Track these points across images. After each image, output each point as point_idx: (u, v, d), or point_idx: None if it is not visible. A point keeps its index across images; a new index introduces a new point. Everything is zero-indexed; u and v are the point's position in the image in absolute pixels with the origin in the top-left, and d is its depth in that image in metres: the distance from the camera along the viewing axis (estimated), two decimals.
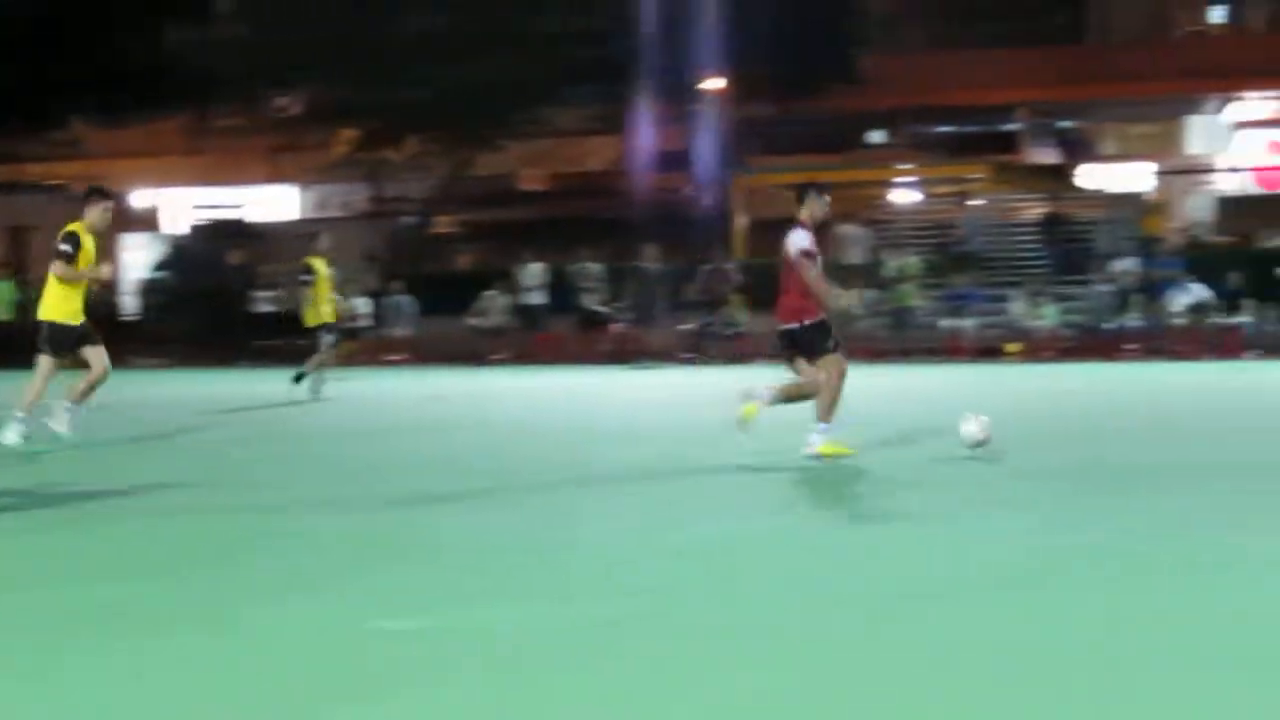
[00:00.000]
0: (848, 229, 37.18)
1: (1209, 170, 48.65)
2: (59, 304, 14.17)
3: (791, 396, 12.23)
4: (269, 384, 22.54)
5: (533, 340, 34.24)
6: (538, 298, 34.93)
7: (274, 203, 49.23)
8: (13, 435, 13.89)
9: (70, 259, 13.98)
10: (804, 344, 12.18)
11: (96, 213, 14.33)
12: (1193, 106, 49.34)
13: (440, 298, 34.73)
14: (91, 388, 14.45)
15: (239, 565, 7.91)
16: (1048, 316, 32.15)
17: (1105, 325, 31.69)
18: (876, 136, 51.64)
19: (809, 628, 6.07)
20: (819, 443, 11.83)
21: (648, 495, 10.43)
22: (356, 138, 43.50)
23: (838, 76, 43.52)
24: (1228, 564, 7.37)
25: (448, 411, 19.79)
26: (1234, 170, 48.11)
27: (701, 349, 32.02)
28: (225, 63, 39.25)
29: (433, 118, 39.88)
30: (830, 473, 11.27)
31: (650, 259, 33.05)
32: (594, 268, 34.61)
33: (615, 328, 33.21)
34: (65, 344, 14.23)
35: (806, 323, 12.13)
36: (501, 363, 32.41)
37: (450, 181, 45.05)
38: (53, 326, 14.19)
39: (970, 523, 8.89)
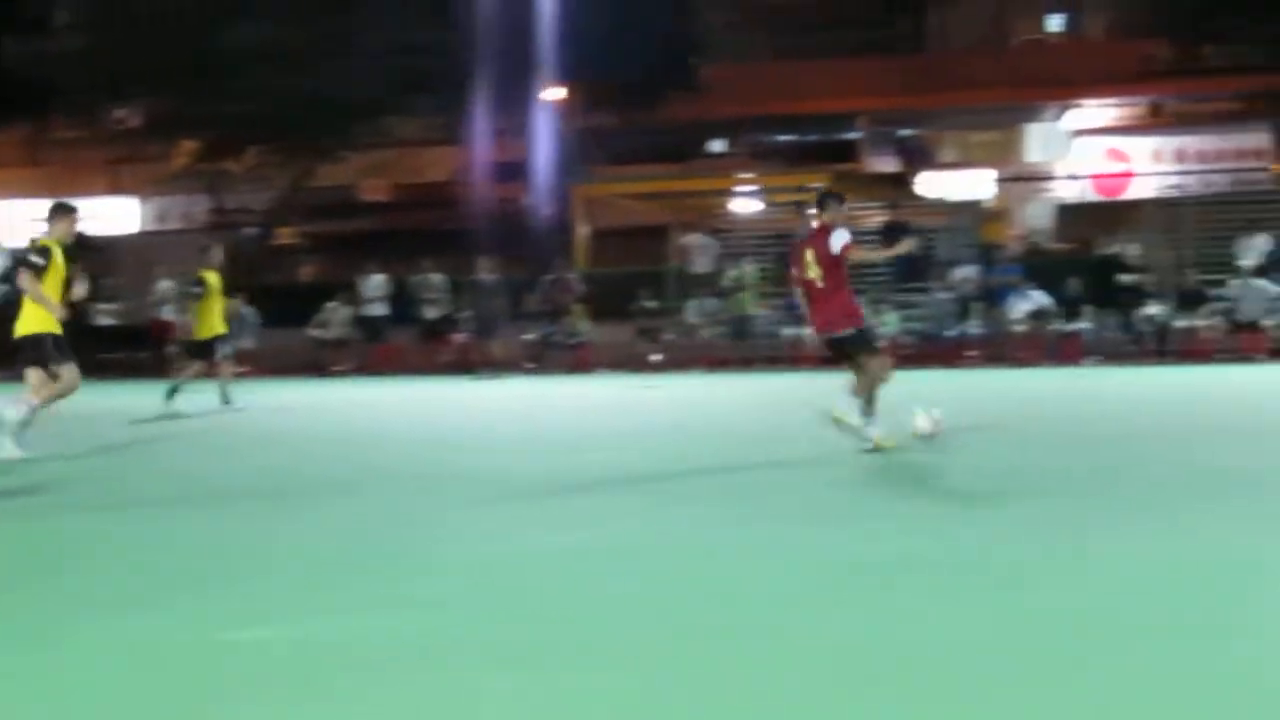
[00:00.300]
0: (694, 238, 37.04)
1: (1048, 178, 49.00)
2: (39, 316, 14.21)
3: (868, 392, 12.90)
4: (114, 398, 22.38)
5: (374, 351, 34.15)
6: (379, 309, 34.97)
7: (114, 215, 48.33)
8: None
9: (40, 271, 13.98)
10: (863, 343, 13.18)
11: (64, 226, 14.49)
12: (1032, 114, 49.71)
13: (282, 309, 34.27)
14: (57, 398, 14.47)
15: (68, 577, 7.56)
16: (889, 324, 32.07)
17: (946, 332, 31.71)
18: (718, 145, 51.62)
19: (627, 641, 5.76)
20: (873, 435, 12.66)
21: (493, 506, 10.03)
22: (196, 149, 42.94)
23: (678, 85, 43.48)
24: (1067, 569, 7.14)
25: (291, 423, 19.38)
26: (1073, 178, 48.49)
27: (544, 359, 31.91)
28: (64, 74, 38.86)
29: (269, 129, 39.43)
30: (670, 482, 10.88)
31: (490, 270, 32.70)
32: (436, 279, 34.40)
33: (457, 338, 32.96)
34: (49, 354, 14.25)
35: (861, 326, 13.26)
36: (343, 374, 32.16)
37: (291, 193, 44.52)
38: (37, 338, 14.23)
39: (798, 532, 8.53)
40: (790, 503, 9.88)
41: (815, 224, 13.37)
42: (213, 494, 11.04)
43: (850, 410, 12.73)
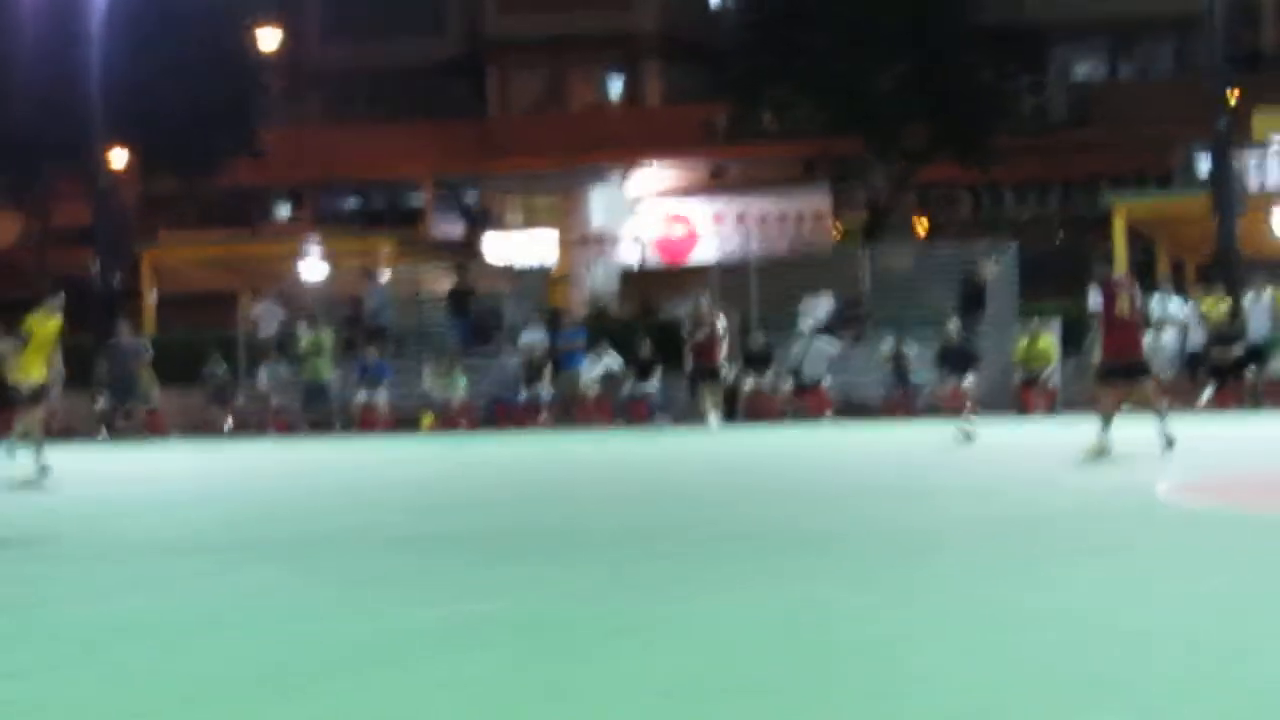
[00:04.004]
0: (260, 305, 36.34)
1: (612, 241, 49.63)
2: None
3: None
4: None
5: None
6: None
7: None
8: None
9: None
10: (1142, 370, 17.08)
11: None
12: (595, 177, 50.36)
13: None
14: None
15: None
16: (459, 388, 31.91)
17: (517, 396, 31.68)
18: (283, 210, 51.00)
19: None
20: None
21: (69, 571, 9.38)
22: None
23: (240, 150, 42.85)
24: (636, 629, 6.92)
25: None
26: (636, 241, 49.21)
27: (113, 427, 31.01)
28: None
29: None
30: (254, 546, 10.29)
31: (130, 332, 32.27)
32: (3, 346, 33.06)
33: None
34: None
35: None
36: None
37: None
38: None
39: (341, 599, 8.11)
40: (347, 565, 9.48)
41: None
42: None
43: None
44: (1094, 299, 16.83)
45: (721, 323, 28.78)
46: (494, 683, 5.74)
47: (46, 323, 16.47)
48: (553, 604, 7.75)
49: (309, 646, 6.67)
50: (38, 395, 19.32)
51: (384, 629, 7.08)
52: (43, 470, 17.82)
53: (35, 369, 19.23)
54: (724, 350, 28.79)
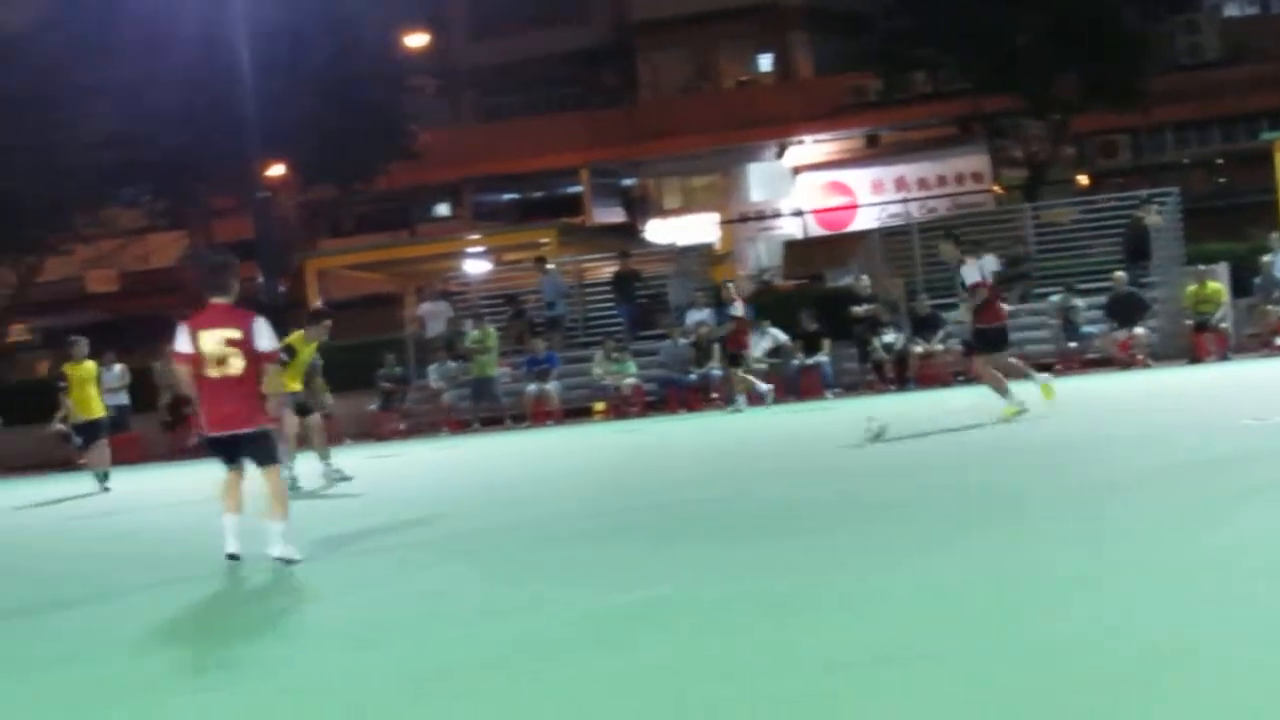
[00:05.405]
0: (426, 305, 36.57)
1: (772, 215, 49.51)
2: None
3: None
4: None
5: (117, 441, 33.24)
6: (120, 398, 33.86)
7: None
8: None
9: None
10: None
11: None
12: (751, 155, 50.25)
13: (20, 407, 33.03)
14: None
15: None
16: (629, 373, 31.94)
17: (687, 377, 31.58)
18: (442, 209, 51.35)
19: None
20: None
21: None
22: None
23: (396, 154, 43.20)
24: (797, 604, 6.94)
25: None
26: (797, 214, 49.03)
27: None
28: None
29: None
30: (342, 543, 10.39)
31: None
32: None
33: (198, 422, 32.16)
34: None
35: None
36: (85, 468, 31.09)
37: (19, 289, 43.47)
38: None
39: (522, 591, 8.20)
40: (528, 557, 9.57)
41: None
42: None
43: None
44: None
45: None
46: (669, 665, 5.74)
47: (305, 347, 18.61)
48: (721, 583, 7.77)
49: (502, 636, 6.87)
50: (305, 409, 20.23)
51: (563, 618, 7.18)
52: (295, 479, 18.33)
53: (294, 384, 20.03)
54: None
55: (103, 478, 23.29)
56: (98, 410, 23.49)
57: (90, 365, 23.50)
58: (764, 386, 28.64)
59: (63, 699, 6.41)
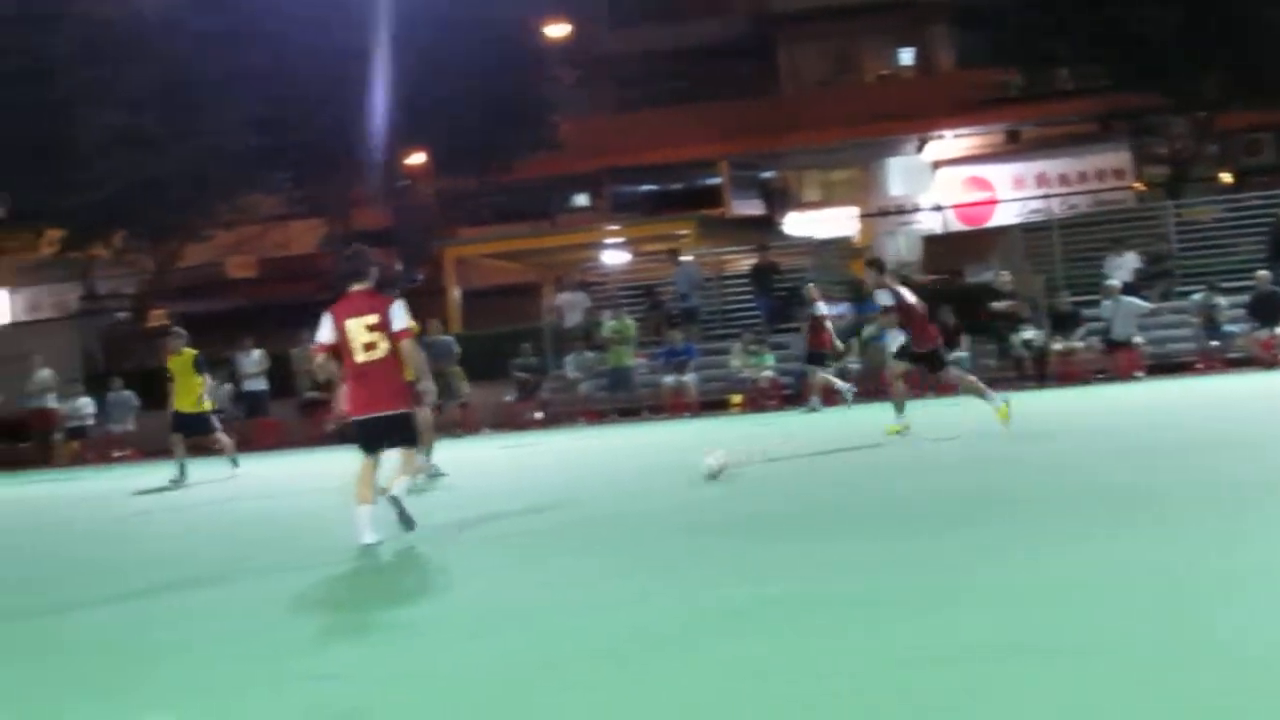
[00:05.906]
0: (564, 295, 36.71)
1: (912, 210, 49.18)
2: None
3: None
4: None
5: (255, 426, 33.60)
6: (259, 384, 34.80)
7: None
8: None
9: None
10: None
11: None
12: (890, 149, 49.93)
13: (163, 391, 33.58)
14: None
15: None
16: (766, 365, 31.87)
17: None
18: (580, 200, 51.46)
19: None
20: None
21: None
22: (62, 237, 42.32)
23: (535, 144, 43.32)
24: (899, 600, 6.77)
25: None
26: (936, 208, 48.68)
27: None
28: None
29: (126, 213, 38.97)
30: (500, 526, 10.38)
31: (438, 330, 32.44)
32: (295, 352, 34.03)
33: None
34: None
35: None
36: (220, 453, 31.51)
37: (160, 274, 44.13)
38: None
39: (638, 584, 8.10)
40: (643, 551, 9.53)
41: None
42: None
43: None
44: None
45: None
46: (769, 662, 5.68)
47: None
48: (835, 580, 7.69)
49: (620, 628, 6.83)
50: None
51: (678, 612, 7.10)
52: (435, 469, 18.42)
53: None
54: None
55: (234, 463, 23.87)
56: (198, 404, 23.03)
57: (189, 354, 22.97)
58: (843, 385, 28.31)
59: (179, 685, 6.43)
